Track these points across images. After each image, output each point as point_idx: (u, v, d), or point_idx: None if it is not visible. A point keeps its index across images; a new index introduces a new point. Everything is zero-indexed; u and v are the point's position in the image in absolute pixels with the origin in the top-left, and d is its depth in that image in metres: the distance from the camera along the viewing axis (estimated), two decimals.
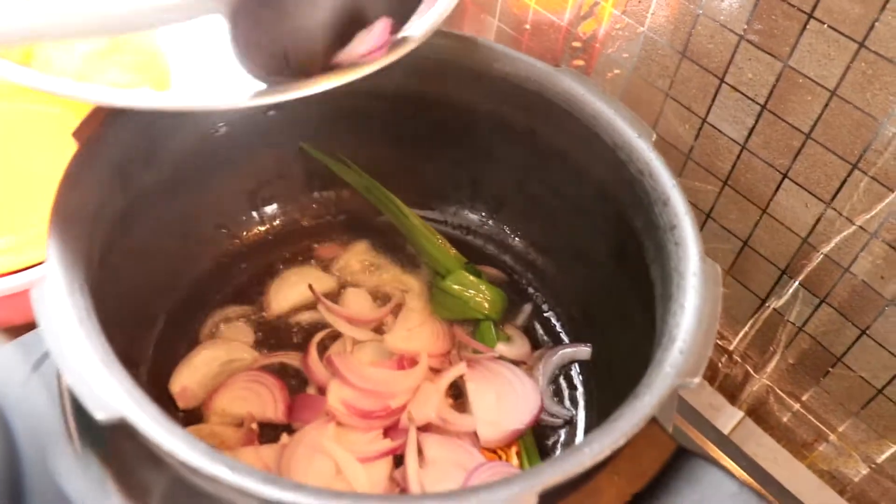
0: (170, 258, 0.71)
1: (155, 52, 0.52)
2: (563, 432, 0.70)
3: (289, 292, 0.76)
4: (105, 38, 0.50)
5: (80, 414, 0.54)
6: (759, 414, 0.85)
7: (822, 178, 0.68)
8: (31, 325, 0.77)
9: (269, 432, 0.68)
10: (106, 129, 0.56)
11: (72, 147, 0.86)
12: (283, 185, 0.78)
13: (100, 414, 0.43)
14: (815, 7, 0.61)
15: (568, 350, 0.74)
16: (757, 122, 0.70)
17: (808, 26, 0.62)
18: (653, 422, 0.47)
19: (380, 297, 0.78)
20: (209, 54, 0.55)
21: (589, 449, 0.44)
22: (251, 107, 0.49)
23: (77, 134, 0.55)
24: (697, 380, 0.49)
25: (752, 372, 0.83)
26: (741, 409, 0.86)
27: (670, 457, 0.49)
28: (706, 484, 0.47)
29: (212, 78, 0.54)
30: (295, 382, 0.71)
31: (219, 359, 0.70)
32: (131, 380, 0.46)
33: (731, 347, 0.83)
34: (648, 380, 0.49)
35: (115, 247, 0.58)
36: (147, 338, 0.68)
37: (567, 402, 0.72)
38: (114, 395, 0.44)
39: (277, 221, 0.79)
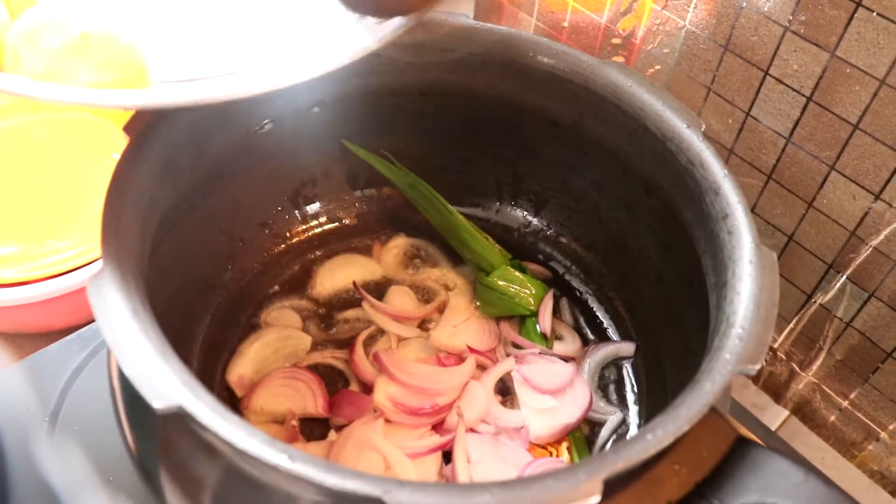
0: (214, 255, 0.71)
1: (127, 48, 0.51)
2: (610, 429, 0.69)
3: (336, 275, 0.77)
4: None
5: (133, 407, 0.54)
6: (804, 412, 0.84)
7: (871, 170, 0.67)
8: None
9: (309, 429, 0.68)
10: (155, 124, 0.56)
11: (111, 151, 0.88)
12: (325, 184, 0.78)
13: (157, 403, 0.43)
14: None
15: (611, 347, 0.73)
16: (802, 114, 0.69)
17: (855, 15, 0.62)
18: (712, 411, 0.47)
19: (423, 295, 0.77)
20: (188, 47, 0.54)
21: (652, 435, 0.44)
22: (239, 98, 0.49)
23: (127, 128, 0.55)
24: (757, 366, 0.48)
25: (797, 369, 0.82)
26: (786, 408, 0.85)
27: (731, 446, 0.48)
28: (770, 472, 0.46)
29: (196, 71, 0.52)
30: (332, 379, 0.71)
31: (272, 346, 0.71)
32: (187, 370, 0.46)
33: (776, 345, 0.82)
34: (708, 367, 0.48)
35: (163, 242, 0.58)
36: (194, 334, 0.68)
37: (614, 398, 0.72)
38: (170, 384, 0.44)
39: (320, 219, 0.79)
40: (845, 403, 0.79)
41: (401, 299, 0.75)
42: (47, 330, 0.84)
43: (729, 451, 0.47)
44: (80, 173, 0.87)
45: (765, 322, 0.50)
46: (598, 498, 0.41)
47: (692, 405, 0.45)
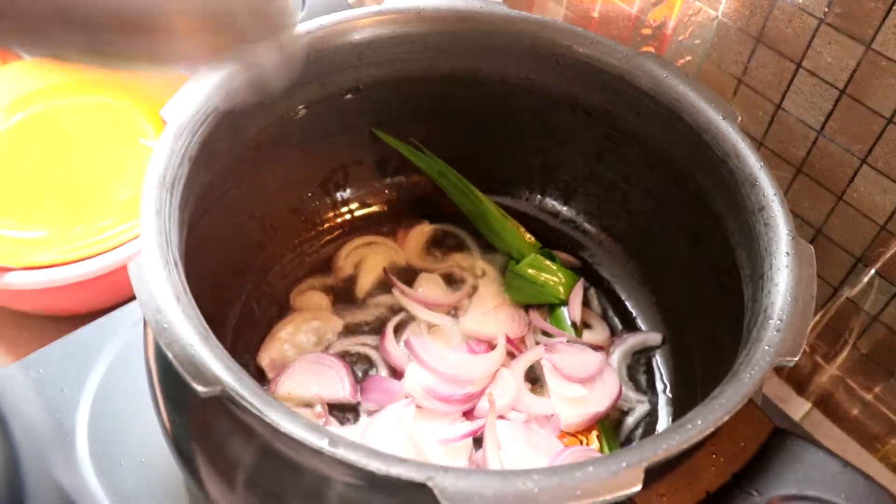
0: (246, 241, 0.71)
1: None
2: (638, 417, 0.69)
3: (367, 270, 0.77)
4: None
5: (169, 389, 0.54)
6: (827, 405, 0.84)
7: None
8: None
9: (341, 415, 0.68)
10: (194, 108, 0.56)
11: (138, 136, 0.88)
12: (356, 170, 0.78)
13: (200, 387, 0.43)
14: None
15: (639, 336, 0.74)
16: (835, 107, 0.69)
17: (894, 7, 0.61)
18: (749, 402, 0.47)
19: (452, 282, 0.78)
20: None
21: (692, 425, 0.44)
22: None
23: (166, 112, 0.56)
24: (796, 358, 0.48)
25: (821, 362, 0.82)
26: (808, 401, 0.85)
27: (768, 436, 0.48)
28: (808, 463, 0.46)
29: None
30: (361, 366, 0.71)
31: (303, 330, 0.72)
32: (228, 353, 0.46)
33: None
34: (746, 358, 0.48)
35: (196, 227, 0.58)
36: (225, 318, 0.68)
37: (643, 387, 0.72)
38: (213, 368, 0.44)
39: (350, 206, 0.80)
40: (869, 397, 0.79)
41: (430, 286, 0.75)
42: (74, 313, 0.85)
43: (766, 441, 0.48)
44: (107, 158, 0.87)
45: (803, 314, 0.50)
46: (639, 486, 0.41)
47: (732, 396, 0.46)
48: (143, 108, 0.92)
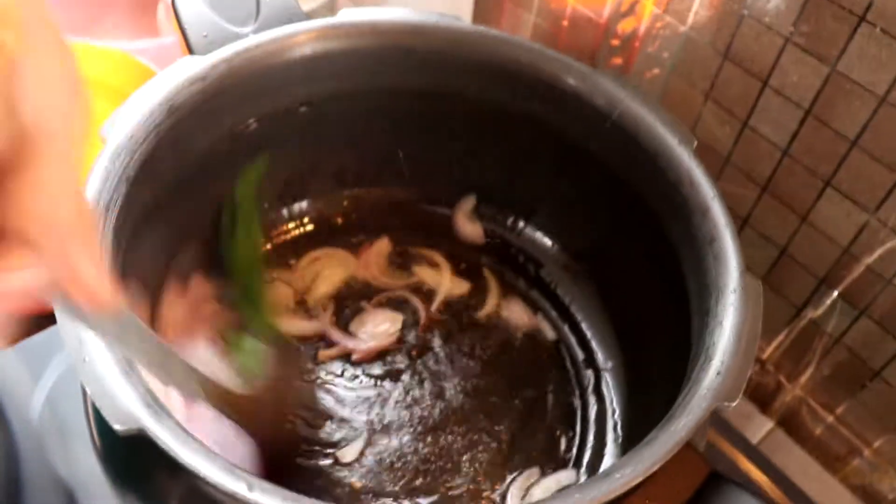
0: (198, 257, 0.70)
1: None
2: (589, 445, 0.68)
3: (323, 280, 0.75)
4: None
5: (102, 418, 0.53)
6: (790, 425, 0.83)
7: (867, 188, 0.65)
8: None
9: None
10: (134, 126, 0.55)
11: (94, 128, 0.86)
12: (313, 182, 0.76)
13: (118, 426, 0.43)
14: (867, 10, 0.59)
15: None
16: (800, 127, 0.68)
17: (858, 29, 0.60)
18: (686, 445, 0.46)
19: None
20: None
21: (621, 474, 0.43)
22: None
23: (105, 130, 0.54)
24: (735, 403, 0.47)
25: (784, 382, 0.81)
26: (772, 419, 0.84)
27: (704, 482, 0.47)
28: None
29: None
30: None
31: None
32: (151, 391, 0.45)
33: (765, 357, 0.81)
34: (684, 401, 0.47)
35: (139, 243, 0.57)
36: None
37: (594, 414, 0.70)
38: (133, 406, 0.43)
39: (307, 217, 0.77)
40: (831, 418, 0.78)
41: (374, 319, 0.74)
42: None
43: (701, 487, 0.47)
44: None
45: (745, 355, 0.49)
46: None
47: (665, 443, 0.45)
48: (103, 96, 0.89)
